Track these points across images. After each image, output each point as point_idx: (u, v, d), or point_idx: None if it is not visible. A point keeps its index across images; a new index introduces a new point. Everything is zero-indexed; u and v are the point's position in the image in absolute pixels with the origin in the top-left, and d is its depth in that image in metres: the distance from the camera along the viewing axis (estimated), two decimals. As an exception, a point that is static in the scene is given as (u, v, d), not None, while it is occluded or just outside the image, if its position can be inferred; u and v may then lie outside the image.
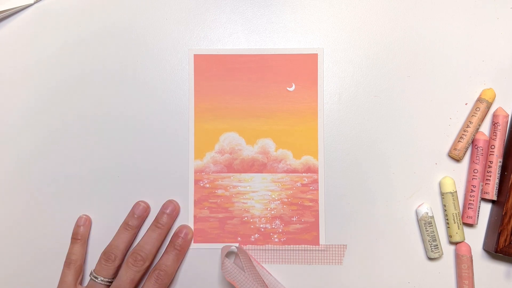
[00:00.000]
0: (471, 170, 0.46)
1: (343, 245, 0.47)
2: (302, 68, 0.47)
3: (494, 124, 0.46)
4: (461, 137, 0.46)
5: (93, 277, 0.44)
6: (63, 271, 0.45)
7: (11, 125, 0.48)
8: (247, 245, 0.47)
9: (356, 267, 0.47)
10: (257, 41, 0.48)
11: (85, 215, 0.47)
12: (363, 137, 0.47)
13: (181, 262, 0.47)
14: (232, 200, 0.47)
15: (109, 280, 0.44)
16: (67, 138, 0.48)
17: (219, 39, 0.48)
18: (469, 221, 0.46)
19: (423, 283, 0.46)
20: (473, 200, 0.45)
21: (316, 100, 0.47)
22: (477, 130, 0.46)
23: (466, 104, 0.47)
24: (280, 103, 0.47)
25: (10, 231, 0.47)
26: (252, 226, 0.47)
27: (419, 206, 0.46)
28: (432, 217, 0.46)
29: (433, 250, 0.46)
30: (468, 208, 0.46)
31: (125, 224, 0.46)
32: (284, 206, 0.47)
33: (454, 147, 0.46)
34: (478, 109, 0.46)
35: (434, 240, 0.46)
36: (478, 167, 0.46)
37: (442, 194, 0.46)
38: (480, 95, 0.46)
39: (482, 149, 0.46)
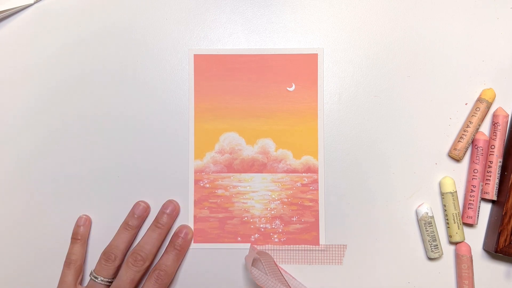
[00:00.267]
0: (471, 170, 0.46)
1: (343, 245, 0.47)
2: (302, 68, 0.47)
3: (494, 124, 0.46)
4: (461, 137, 0.46)
5: (93, 277, 0.44)
6: (63, 271, 0.45)
7: (11, 125, 0.48)
8: (247, 244, 0.47)
9: (356, 267, 0.47)
10: (257, 41, 0.48)
11: (85, 215, 0.47)
12: (363, 137, 0.47)
13: (181, 262, 0.47)
14: (232, 200, 0.47)
15: (109, 280, 0.44)
16: (67, 138, 0.48)
17: (219, 39, 0.48)
18: (469, 221, 0.46)
19: (423, 283, 0.46)
20: (473, 200, 0.45)
21: (316, 100, 0.47)
22: (477, 130, 0.46)
23: (466, 104, 0.47)
24: (280, 103, 0.47)
25: (10, 231, 0.47)
26: (252, 226, 0.47)
27: (419, 206, 0.46)
28: (432, 217, 0.46)
29: (433, 250, 0.46)
30: (468, 208, 0.46)
31: (125, 224, 0.46)
32: (284, 206, 0.47)
33: (454, 147, 0.46)
34: (478, 109, 0.46)
35: (434, 240, 0.46)
36: (478, 167, 0.46)
37: (442, 194, 0.46)
38: (480, 95, 0.46)
39: (482, 149, 0.46)
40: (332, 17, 0.48)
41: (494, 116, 0.46)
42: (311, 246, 0.47)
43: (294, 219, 0.47)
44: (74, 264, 0.45)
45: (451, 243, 0.47)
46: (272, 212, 0.47)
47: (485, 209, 0.47)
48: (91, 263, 0.47)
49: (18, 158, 0.48)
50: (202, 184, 0.47)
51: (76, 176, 0.47)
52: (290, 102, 0.47)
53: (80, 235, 0.46)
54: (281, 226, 0.47)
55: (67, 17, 0.48)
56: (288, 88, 0.47)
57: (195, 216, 0.47)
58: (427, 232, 0.46)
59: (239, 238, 0.47)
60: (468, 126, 0.46)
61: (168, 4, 0.48)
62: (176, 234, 0.46)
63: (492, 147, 0.46)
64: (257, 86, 0.48)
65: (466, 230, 0.46)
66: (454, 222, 0.45)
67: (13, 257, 0.47)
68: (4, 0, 0.47)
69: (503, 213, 0.44)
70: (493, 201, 0.46)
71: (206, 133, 0.47)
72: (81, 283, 0.46)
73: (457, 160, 0.47)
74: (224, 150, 0.47)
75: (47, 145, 0.48)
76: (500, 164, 0.45)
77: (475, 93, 0.47)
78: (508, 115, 0.46)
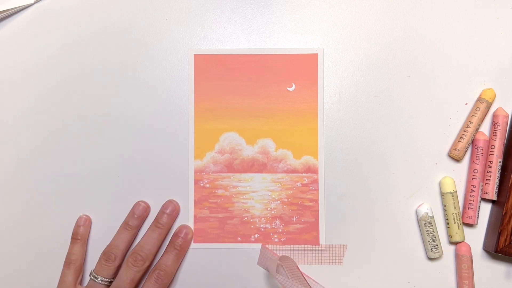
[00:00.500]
0: (471, 170, 0.46)
1: (343, 245, 0.47)
2: (302, 68, 0.47)
3: (494, 124, 0.46)
4: (461, 137, 0.46)
5: (93, 277, 0.44)
6: (63, 271, 0.45)
7: (11, 125, 0.48)
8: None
9: (356, 267, 0.47)
10: (257, 41, 0.48)
11: (85, 215, 0.47)
12: (363, 137, 0.47)
13: (181, 262, 0.47)
14: (232, 200, 0.47)
15: (109, 280, 0.44)
16: (67, 138, 0.48)
17: (219, 39, 0.48)
18: (469, 221, 0.46)
19: (423, 283, 0.46)
20: (473, 200, 0.45)
21: (316, 100, 0.47)
22: (477, 130, 0.46)
23: (466, 104, 0.47)
24: (280, 103, 0.47)
25: (10, 231, 0.47)
26: (252, 226, 0.47)
27: (419, 206, 0.46)
28: (432, 217, 0.46)
29: (433, 250, 0.46)
30: (468, 208, 0.46)
31: (125, 224, 0.46)
32: (284, 206, 0.47)
33: (454, 147, 0.46)
34: (478, 109, 0.46)
35: (434, 240, 0.46)
36: (478, 167, 0.46)
37: (442, 194, 0.46)
38: (480, 95, 0.46)
39: (482, 149, 0.46)
40: (332, 17, 0.48)
41: (494, 116, 0.46)
42: (311, 246, 0.47)
43: (294, 219, 0.47)
44: (74, 264, 0.45)
45: (451, 243, 0.47)
46: (272, 212, 0.47)
47: (485, 209, 0.47)
48: (91, 263, 0.47)
49: (18, 158, 0.48)
50: (202, 184, 0.47)
51: (76, 176, 0.47)
52: (290, 102, 0.47)
53: (80, 235, 0.46)
54: (281, 226, 0.47)
55: (67, 17, 0.48)
56: (288, 88, 0.47)
57: (195, 216, 0.47)
58: (427, 232, 0.46)
59: (239, 238, 0.47)
60: (468, 126, 0.46)
61: (168, 4, 0.48)
62: (176, 234, 0.46)
63: (492, 147, 0.46)
64: (257, 86, 0.48)
65: (466, 230, 0.46)
66: (454, 222, 0.45)
67: (13, 257, 0.47)
68: (4, 0, 0.47)
69: (503, 213, 0.44)
70: (493, 201, 0.46)
71: (206, 133, 0.47)
72: (81, 283, 0.46)
73: (457, 160, 0.47)
74: (224, 150, 0.47)
75: (47, 145, 0.48)
76: (500, 164, 0.45)
77: (475, 93, 0.47)
78: (508, 115, 0.46)
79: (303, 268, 0.47)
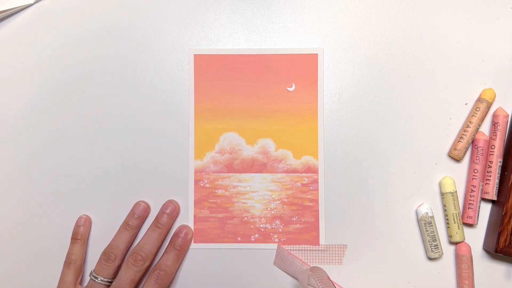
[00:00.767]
0: (471, 170, 0.46)
1: (343, 245, 0.47)
2: (302, 68, 0.47)
3: (494, 124, 0.46)
4: (461, 137, 0.46)
5: (93, 277, 0.44)
6: (63, 271, 0.45)
7: (11, 125, 0.48)
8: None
9: (356, 267, 0.47)
10: (257, 41, 0.48)
11: (85, 215, 0.47)
12: (363, 137, 0.47)
13: (181, 262, 0.47)
14: (232, 200, 0.47)
15: (109, 280, 0.44)
16: (67, 138, 0.48)
17: (219, 39, 0.48)
18: (469, 221, 0.46)
19: (423, 283, 0.46)
20: (473, 200, 0.45)
21: (316, 100, 0.47)
22: (477, 130, 0.46)
23: (466, 104, 0.47)
24: (280, 103, 0.47)
25: (10, 231, 0.47)
26: (252, 226, 0.47)
27: (419, 206, 0.46)
28: (432, 217, 0.46)
29: (433, 250, 0.46)
30: (468, 208, 0.46)
31: (125, 224, 0.46)
32: (284, 206, 0.47)
33: (454, 147, 0.46)
34: (478, 109, 0.46)
35: (434, 240, 0.46)
36: (478, 167, 0.46)
37: (442, 194, 0.46)
38: (480, 95, 0.46)
39: (482, 149, 0.46)
40: (332, 17, 0.48)
41: (494, 116, 0.46)
42: (311, 246, 0.47)
43: (294, 219, 0.47)
44: (74, 264, 0.45)
45: (451, 243, 0.47)
46: (272, 212, 0.47)
47: (485, 209, 0.47)
48: (91, 263, 0.47)
49: (18, 158, 0.48)
50: (202, 184, 0.47)
51: (76, 176, 0.47)
52: (290, 102, 0.47)
53: (80, 235, 0.46)
54: (281, 226, 0.47)
55: (67, 17, 0.48)
56: (288, 88, 0.47)
57: (195, 216, 0.47)
58: (427, 232, 0.46)
59: (239, 238, 0.47)
60: (468, 126, 0.46)
61: (168, 4, 0.48)
62: (176, 234, 0.46)
63: (492, 147, 0.46)
64: (257, 86, 0.48)
65: (466, 230, 0.46)
66: (454, 222, 0.45)
67: (13, 257, 0.47)
68: (4, 0, 0.47)
69: (503, 213, 0.44)
70: (493, 201, 0.46)
71: (206, 133, 0.47)
72: (81, 283, 0.46)
73: (457, 160, 0.47)
74: (224, 150, 0.47)
75: (47, 145, 0.48)
76: (500, 164, 0.45)
77: (475, 93, 0.47)
78: (508, 115, 0.46)
79: (303, 268, 0.47)
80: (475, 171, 0.46)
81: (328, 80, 0.47)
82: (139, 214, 0.46)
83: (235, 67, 0.48)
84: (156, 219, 0.46)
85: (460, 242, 0.46)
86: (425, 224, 0.46)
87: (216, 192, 0.47)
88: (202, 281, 0.47)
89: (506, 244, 0.44)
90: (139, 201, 0.47)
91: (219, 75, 0.48)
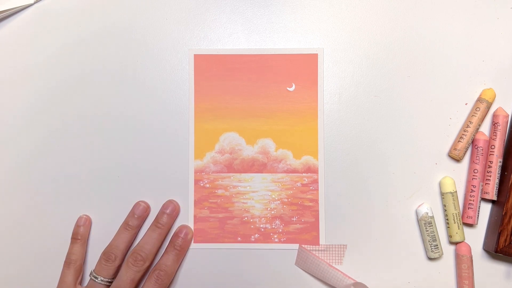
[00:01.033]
0: (471, 170, 0.46)
1: (343, 245, 0.47)
2: (302, 68, 0.47)
3: (494, 124, 0.46)
4: (461, 137, 0.46)
5: (93, 277, 0.44)
6: (62, 271, 0.45)
7: (11, 125, 0.48)
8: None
9: (356, 267, 0.47)
10: (257, 41, 0.48)
11: (85, 215, 0.47)
12: (363, 137, 0.47)
13: (181, 262, 0.47)
14: (232, 200, 0.47)
15: (109, 280, 0.44)
16: (67, 138, 0.48)
17: (219, 39, 0.48)
18: (469, 221, 0.46)
19: (423, 283, 0.46)
20: (473, 200, 0.45)
21: (316, 100, 0.47)
22: (477, 130, 0.46)
23: (466, 104, 0.47)
24: (280, 103, 0.47)
25: (10, 231, 0.47)
26: (252, 226, 0.47)
27: (419, 206, 0.46)
28: (432, 217, 0.46)
29: (433, 250, 0.46)
30: (468, 208, 0.46)
31: (125, 224, 0.46)
32: (284, 206, 0.47)
33: (454, 147, 0.46)
34: (478, 109, 0.46)
35: (434, 240, 0.46)
36: (478, 167, 0.46)
37: (442, 194, 0.46)
38: (480, 95, 0.46)
39: (482, 149, 0.46)
40: (332, 17, 0.48)
41: (494, 116, 0.46)
42: (311, 246, 0.47)
43: (294, 219, 0.47)
44: (74, 264, 0.45)
45: (451, 243, 0.47)
46: (272, 212, 0.47)
47: (485, 209, 0.47)
48: (91, 263, 0.47)
49: (18, 158, 0.48)
50: (202, 184, 0.47)
51: (76, 176, 0.47)
52: (290, 102, 0.47)
53: (80, 235, 0.46)
54: (281, 226, 0.47)
55: (67, 17, 0.48)
56: (288, 88, 0.47)
57: (195, 216, 0.47)
58: (427, 232, 0.46)
59: (239, 238, 0.47)
60: (468, 126, 0.46)
61: (168, 4, 0.48)
62: (176, 234, 0.46)
63: (492, 147, 0.46)
64: (257, 86, 0.48)
65: (466, 230, 0.46)
66: (454, 222, 0.45)
67: (13, 257, 0.47)
68: (4, 0, 0.47)
69: (503, 213, 0.44)
70: (493, 201, 0.46)
71: (206, 133, 0.47)
72: (81, 283, 0.46)
73: (457, 160, 0.47)
74: (224, 150, 0.47)
75: (47, 145, 0.48)
76: (500, 164, 0.45)
77: (475, 93, 0.47)
78: (508, 115, 0.46)
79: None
80: (475, 171, 0.46)
81: (328, 80, 0.47)
82: (139, 214, 0.46)
83: (235, 67, 0.48)
84: (156, 219, 0.46)
85: (460, 242, 0.46)
86: (425, 224, 0.46)
87: (216, 192, 0.47)
88: (202, 281, 0.47)
89: (506, 244, 0.44)
90: (139, 201, 0.47)
91: (219, 75, 0.48)
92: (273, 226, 0.47)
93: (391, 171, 0.47)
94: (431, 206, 0.46)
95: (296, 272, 0.47)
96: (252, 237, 0.47)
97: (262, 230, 0.47)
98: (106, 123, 0.48)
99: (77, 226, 0.47)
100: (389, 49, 0.47)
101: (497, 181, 0.45)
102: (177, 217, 0.47)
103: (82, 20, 0.48)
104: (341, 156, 0.47)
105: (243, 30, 0.48)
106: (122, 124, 0.48)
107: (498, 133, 0.46)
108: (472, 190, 0.46)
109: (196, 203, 0.47)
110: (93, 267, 0.45)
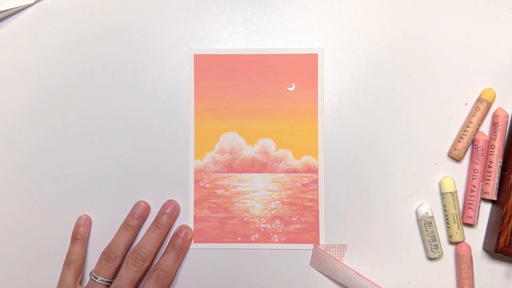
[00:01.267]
0: (471, 170, 0.46)
1: (343, 245, 0.47)
2: (302, 68, 0.47)
3: (494, 124, 0.46)
4: (461, 137, 0.46)
5: (93, 277, 0.44)
6: (62, 271, 0.45)
7: (11, 125, 0.48)
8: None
9: (356, 267, 0.47)
10: (257, 41, 0.48)
11: (85, 215, 0.47)
12: (363, 137, 0.47)
13: (181, 262, 0.47)
14: (232, 200, 0.47)
15: (109, 280, 0.44)
16: (67, 138, 0.48)
17: (219, 39, 0.48)
18: (469, 221, 0.46)
19: (423, 283, 0.46)
20: (473, 200, 0.45)
21: (316, 100, 0.47)
22: (477, 130, 0.46)
23: (466, 104, 0.47)
24: (280, 103, 0.47)
25: (10, 231, 0.47)
26: (252, 226, 0.47)
27: (419, 206, 0.46)
28: (432, 217, 0.46)
29: (433, 250, 0.46)
30: (468, 208, 0.46)
31: (125, 224, 0.46)
32: (284, 206, 0.47)
33: (454, 147, 0.46)
34: (478, 109, 0.46)
35: (434, 240, 0.46)
36: (478, 167, 0.46)
37: (442, 194, 0.46)
38: (480, 95, 0.46)
39: (482, 149, 0.46)
40: (332, 17, 0.48)
41: (494, 116, 0.46)
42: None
43: (294, 219, 0.47)
44: (74, 264, 0.45)
45: (451, 243, 0.47)
46: (272, 212, 0.47)
47: (485, 209, 0.47)
48: (91, 263, 0.47)
49: (18, 158, 0.48)
50: (202, 184, 0.47)
51: (76, 176, 0.47)
52: (290, 102, 0.47)
53: (80, 235, 0.46)
54: (281, 226, 0.47)
55: (67, 17, 0.48)
56: (288, 88, 0.47)
57: (195, 216, 0.47)
58: (427, 232, 0.46)
59: (239, 238, 0.47)
60: (468, 126, 0.46)
61: (168, 4, 0.48)
62: (176, 234, 0.46)
63: (492, 147, 0.46)
64: (257, 86, 0.48)
65: (466, 230, 0.46)
66: (454, 222, 0.45)
67: (13, 257, 0.47)
68: (4, 0, 0.47)
69: (503, 213, 0.44)
70: (493, 201, 0.46)
71: (206, 133, 0.47)
72: (81, 283, 0.46)
73: (457, 160, 0.47)
74: (224, 150, 0.47)
75: (47, 145, 0.48)
76: (500, 164, 0.45)
77: (475, 93, 0.47)
78: (508, 115, 0.46)
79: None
80: (475, 171, 0.46)
81: (328, 80, 0.47)
82: (139, 214, 0.46)
83: (235, 67, 0.48)
84: (156, 219, 0.46)
85: (460, 242, 0.46)
86: (425, 224, 0.46)
87: (216, 192, 0.47)
88: (202, 281, 0.47)
89: (506, 244, 0.44)
90: (139, 201, 0.47)
91: (219, 75, 0.48)
92: (273, 226, 0.47)
93: (391, 171, 0.47)
94: (431, 206, 0.46)
95: (296, 272, 0.47)
96: (252, 237, 0.47)
97: (262, 230, 0.47)
98: (106, 123, 0.48)
99: (77, 226, 0.47)
100: (389, 49, 0.47)
101: (497, 181, 0.45)
102: (177, 217, 0.47)
103: (82, 20, 0.48)
104: (341, 156, 0.47)
105: (243, 30, 0.48)
106: (122, 124, 0.48)
107: (498, 133, 0.46)
108: (472, 190, 0.46)
109: (196, 203, 0.47)
110: (93, 267, 0.45)
